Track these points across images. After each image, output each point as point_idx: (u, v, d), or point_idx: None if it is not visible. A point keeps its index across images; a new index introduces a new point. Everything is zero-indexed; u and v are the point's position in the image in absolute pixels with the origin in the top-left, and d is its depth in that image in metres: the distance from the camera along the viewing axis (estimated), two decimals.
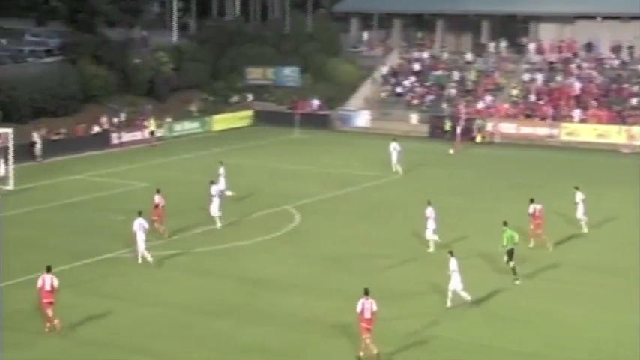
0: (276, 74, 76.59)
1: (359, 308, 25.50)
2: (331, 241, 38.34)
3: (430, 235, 36.35)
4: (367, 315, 25.37)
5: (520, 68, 74.06)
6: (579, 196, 38.86)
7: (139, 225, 34.22)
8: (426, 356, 26.26)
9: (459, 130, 63.02)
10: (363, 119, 71.79)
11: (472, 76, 74.05)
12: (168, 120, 67.12)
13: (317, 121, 70.81)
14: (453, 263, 29.51)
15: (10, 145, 49.08)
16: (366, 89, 75.53)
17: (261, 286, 32.22)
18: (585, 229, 39.20)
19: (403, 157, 53.05)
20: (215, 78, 75.95)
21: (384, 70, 77.01)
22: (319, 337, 27.35)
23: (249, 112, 73.68)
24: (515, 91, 70.85)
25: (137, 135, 63.70)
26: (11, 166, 48.17)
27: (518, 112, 68.52)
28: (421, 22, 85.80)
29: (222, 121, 70.94)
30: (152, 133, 64.02)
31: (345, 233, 39.55)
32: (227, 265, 34.85)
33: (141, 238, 34.21)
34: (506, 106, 69.19)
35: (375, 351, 25.33)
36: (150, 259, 34.22)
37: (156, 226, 37.51)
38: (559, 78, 71.38)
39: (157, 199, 38.45)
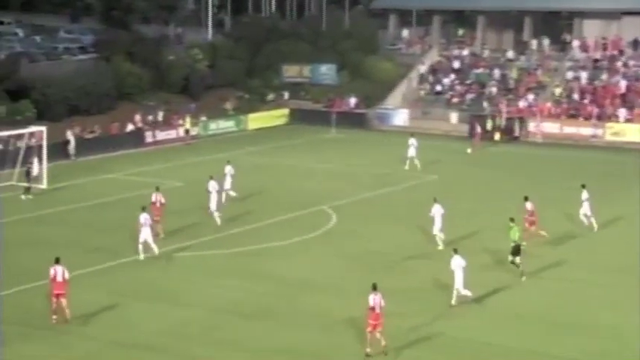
0: (312, 72, 76.75)
1: (371, 303, 26.14)
2: (368, 241, 38.38)
3: (437, 231, 36.88)
4: (377, 310, 26.07)
5: (563, 66, 73.54)
6: (584, 195, 39.55)
7: (145, 220, 35.05)
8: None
9: (478, 129, 63.17)
10: (401, 118, 71.71)
11: (514, 74, 73.66)
12: (203, 118, 67.52)
13: (354, 120, 70.84)
14: (456, 261, 30.10)
15: (44, 143, 49.69)
16: (404, 87, 75.45)
17: (296, 287, 32.38)
18: (594, 227, 39.64)
19: (443, 157, 53.13)
20: (250, 76, 76.28)
21: (423, 68, 76.77)
22: (355, 339, 27.40)
23: (285, 111, 73.88)
24: (558, 90, 70.39)
25: (171, 133, 64.16)
26: (45, 165, 48.74)
27: (561, 112, 68.10)
28: (461, 19, 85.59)
29: (257, 120, 71.23)
30: (187, 131, 64.46)
31: (382, 234, 39.60)
32: (262, 265, 35.04)
33: (147, 232, 34.96)
34: (548, 105, 68.77)
35: (384, 343, 26.05)
36: (143, 254, 35.07)
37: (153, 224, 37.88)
38: (604, 76, 70.78)
39: (155, 196, 38.89)
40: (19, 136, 51.25)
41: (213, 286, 32.58)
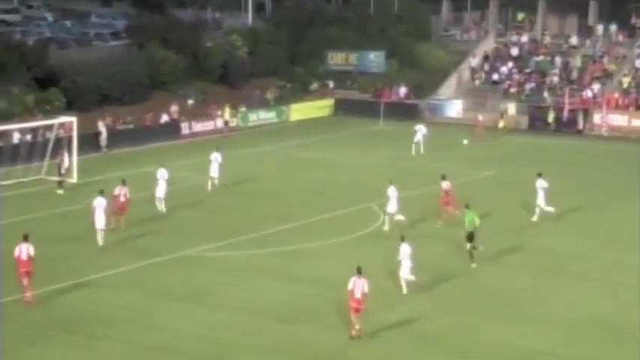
0: (359, 59, 76.78)
1: (350, 286, 27.38)
2: (418, 242, 38.14)
3: (391, 213, 39.09)
4: (357, 295, 27.22)
5: (632, 53, 72.80)
6: (540, 184, 41.13)
7: (99, 203, 36.20)
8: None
9: (480, 117, 64.02)
10: (454, 109, 71.45)
11: (577, 62, 73.08)
12: (242, 109, 67.79)
13: (404, 111, 70.66)
14: (404, 249, 31.50)
15: (74, 134, 50.19)
16: (457, 76, 75.10)
17: (340, 289, 32.32)
18: (535, 218, 41.40)
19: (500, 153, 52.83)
20: (293, 63, 76.42)
21: (474, 61, 76.08)
22: (403, 346, 27.44)
23: (330, 101, 73.96)
24: (626, 80, 69.70)
25: (208, 125, 64.48)
26: (75, 158, 49.21)
27: (629, 103, 67.39)
28: (520, 2, 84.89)
29: (300, 111, 71.37)
30: (226, 122, 64.75)
31: (432, 233, 39.44)
32: (305, 266, 35.13)
33: (100, 215, 36.05)
34: (616, 95, 68.09)
35: (357, 326, 27.33)
36: (100, 242, 36.16)
37: (114, 218, 38.51)
38: None
39: (118, 190, 39.47)
40: (48, 127, 51.84)
41: (251, 287, 32.72)
